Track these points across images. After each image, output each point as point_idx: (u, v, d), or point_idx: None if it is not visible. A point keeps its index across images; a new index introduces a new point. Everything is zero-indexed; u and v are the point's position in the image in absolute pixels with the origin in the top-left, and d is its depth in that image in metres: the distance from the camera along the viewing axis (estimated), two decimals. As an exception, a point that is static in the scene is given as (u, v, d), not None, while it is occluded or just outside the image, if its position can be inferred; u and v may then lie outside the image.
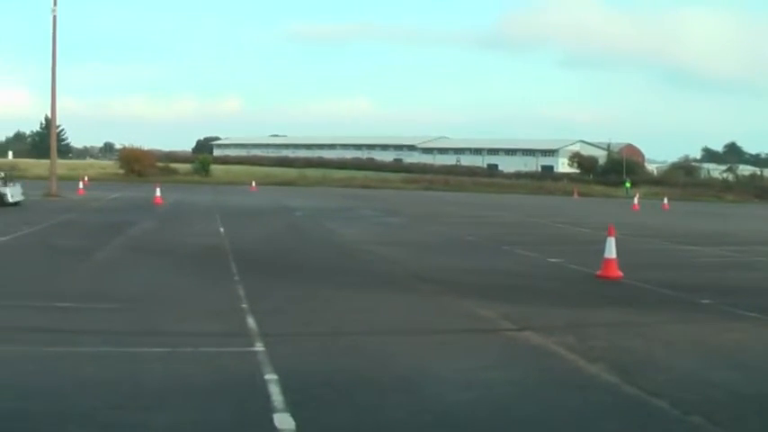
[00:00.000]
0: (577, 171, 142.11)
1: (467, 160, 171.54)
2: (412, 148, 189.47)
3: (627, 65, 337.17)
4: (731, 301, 16.16)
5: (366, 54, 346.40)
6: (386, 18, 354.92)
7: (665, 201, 73.77)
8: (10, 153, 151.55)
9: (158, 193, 49.50)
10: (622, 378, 9.91)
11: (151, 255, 22.17)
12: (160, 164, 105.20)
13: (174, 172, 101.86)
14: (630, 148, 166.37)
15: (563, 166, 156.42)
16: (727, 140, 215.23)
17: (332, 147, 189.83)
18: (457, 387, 9.48)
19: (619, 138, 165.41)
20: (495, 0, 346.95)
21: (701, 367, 10.86)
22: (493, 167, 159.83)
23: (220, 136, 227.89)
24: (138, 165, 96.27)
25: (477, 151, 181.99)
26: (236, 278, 17.67)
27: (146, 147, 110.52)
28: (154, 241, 26.23)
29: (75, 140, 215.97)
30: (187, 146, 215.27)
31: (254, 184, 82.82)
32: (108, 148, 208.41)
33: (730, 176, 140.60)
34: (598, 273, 19.79)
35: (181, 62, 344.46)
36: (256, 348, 10.91)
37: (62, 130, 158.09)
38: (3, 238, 24.72)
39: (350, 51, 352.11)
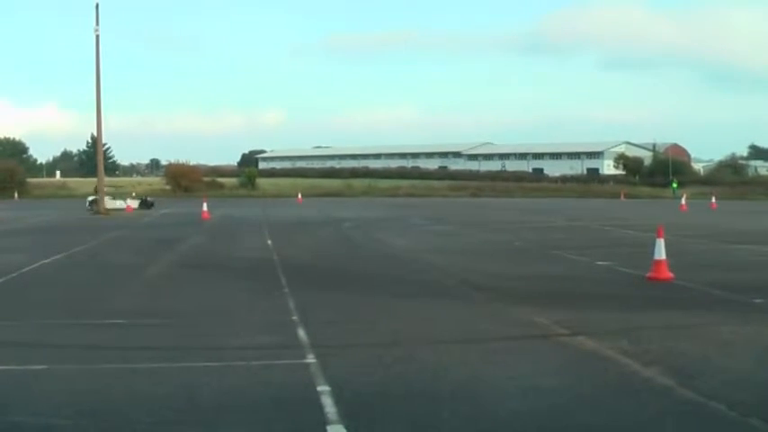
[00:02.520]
0: (623, 173, 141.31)
1: (512, 165, 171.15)
2: (457, 155, 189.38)
3: (669, 64, 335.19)
4: (786, 301, 16.03)
5: (407, 61, 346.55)
6: (425, 25, 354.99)
7: (713, 200, 73.27)
8: (58, 172, 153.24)
9: (205, 207, 49.76)
10: (678, 381, 9.82)
11: (201, 270, 22.28)
12: (206, 178, 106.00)
13: (221, 186, 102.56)
14: (676, 147, 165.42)
15: (608, 168, 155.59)
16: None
17: (377, 156, 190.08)
18: (512, 395, 9.44)
19: (664, 138, 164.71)
20: (534, 3, 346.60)
21: (757, 369, 10.75)
22: (538, 172, 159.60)
23: (265, 149, 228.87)
24: (184, 180, 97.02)
25: (522, 156, 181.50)
26: (286, 290, 17.72)
27: (191, 162, 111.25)
28: (203, 256, 26.37)
29: (122, 158, 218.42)
30: (232, 160, 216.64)
31: (300, 195, 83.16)
32: (154, 165, 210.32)
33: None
34: (648, 275, 19.66)
35: (224, 76, 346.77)
36: (308, 360, 10.93)
37: (108, 147, 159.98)
38: (57, 256, 24.98)
39: (391, 59, 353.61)
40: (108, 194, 61.27)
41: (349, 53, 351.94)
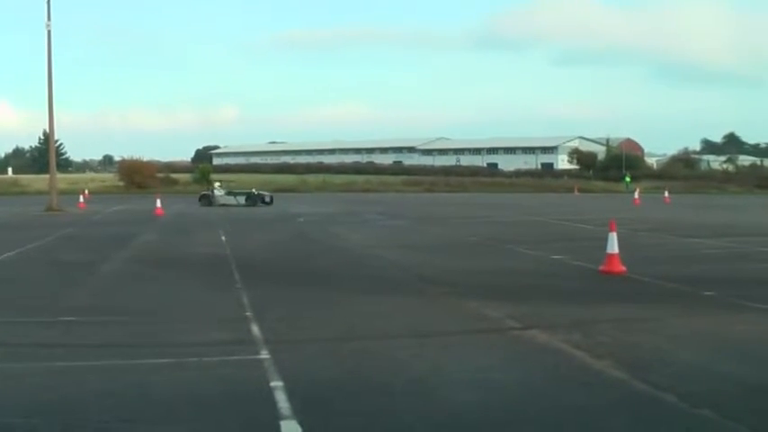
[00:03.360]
0: (577, 167, 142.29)
1: (467, 160, 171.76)
2: (412, 150, 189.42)
3: (623, 60, 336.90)
4: (735, 293, 16.14)
5: (362, 58, 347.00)
6: (379, 22, 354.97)
7: (666, 194, 73.91)
8: (9, 169, 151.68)
9: (159, 204, 49.50)
10: (630, 373, 9.89)
11: (154, 266, 22.13)
12: (160, 175, 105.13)
13: (175, 182, 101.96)
14: (629, 142, 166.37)
15: (563, 162, 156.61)
16: (726, 131, 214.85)
17: (331, 152, 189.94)
18: (465, 388, 9.46)
19: (618, 133, 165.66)
20: (488, 0, 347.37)
21: (708, 360, 10.84)
22: (493, 167, 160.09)
23: (219, 145, 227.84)
24: (137, 176, 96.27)
25: (477, 151, 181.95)
26: (240, 286, 17.65)
27: (145, 158, 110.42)
28: (156, 253, 26.20)
29: (75, 154, 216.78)
30: (186, 156, 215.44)
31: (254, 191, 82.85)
32: (107, 161, 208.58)
33: (730, 167, 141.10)
34: (601, 268, 19.79)
35: (177, 72, 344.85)
36: (262, 356, 10.89)
37: (61, 144, 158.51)
38: (9, 254, 24.74)
39: (345, 56, 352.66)
40: (220, 189, 62.74)
41: (303, 49, 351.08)
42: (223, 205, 58.72)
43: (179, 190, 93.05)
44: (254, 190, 65.16)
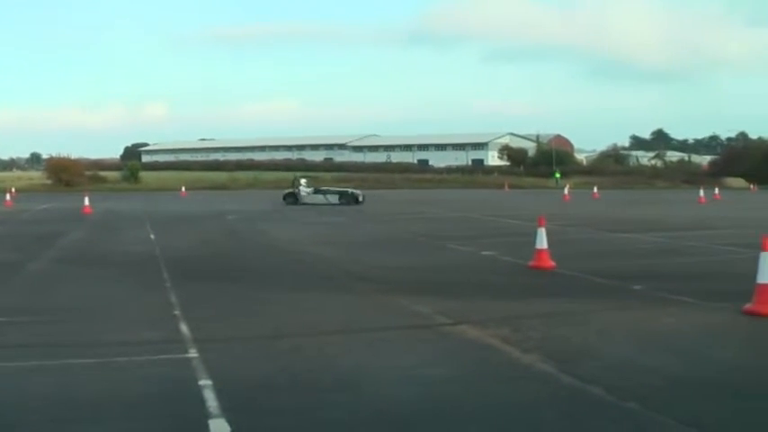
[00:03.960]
0: (508, 164, 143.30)
1: (397, 157, 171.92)
2: (342, 146, 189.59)
3: (552, 57, 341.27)
4: (663, 287, 16.35)
5: (292, 54, 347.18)
6: (310, 18, 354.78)
7: (595, 190, 74.67)
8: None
9: (87, 202, 48.93)
10: (558, 367, 9.97)
11: (82, 265, 21.88)
12: (88, 172, 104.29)
13: (103, 180, 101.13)
14: (559, 138, 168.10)
15: (493, 159, 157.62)
16: (655, 128, 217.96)
17: (262, 149, 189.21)
18: (394, 384, 9.47)
19: (548, 129, 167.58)
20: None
21: (635, 353, 10.95)
22: (424, 163, 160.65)
23: (149, 142, 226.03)
24: (65, 174, 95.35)
25: (408, 147, 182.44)
26: (169, 285, 17.50)
27: (73, 156, 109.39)
28: (84, 251, 25.91)
29: (1, 152, 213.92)
30: (115, 153, 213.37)
31: (183, 189, 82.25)
32: (35, 159, 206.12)
33: (659, 163, 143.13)
34: (530, 264, 19.91)
35: (105, 69, 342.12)
36: (190, 355, 10.81)
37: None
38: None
39: (276, 52, 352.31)
40: (307, 186, 59.43)
41: (233, 45, 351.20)
42: (311, 204, 55.87)
43: (108, 188, 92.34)
44: (349, 189, 62.74)
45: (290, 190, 59.72)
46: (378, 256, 23.22)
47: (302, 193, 58.44)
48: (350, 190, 62.23)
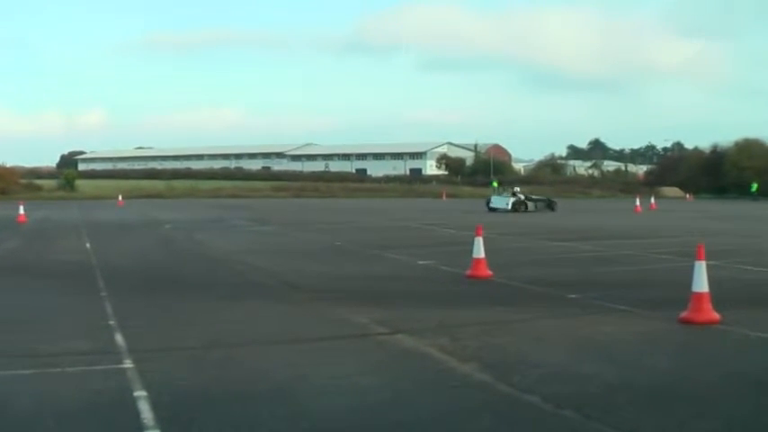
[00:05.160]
0: (446, 173, 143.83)
1: (336, 166, 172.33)
2: (280, 155, 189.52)
3: (489, 66, 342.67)
4: (599, 295, 16.50)
5: (230, 62, 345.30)
6: (247, 25, 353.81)
7: (533, 199, 74.82)
8: None
9: (22, 210, 48.32)
10: (495, 376, 9.99)
11: (15, 275, 21.60)
12: (23, 181, 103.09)
13: (39, 189, 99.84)
14: (497, 148, 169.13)
15: (431, 168, 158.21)
16: (592, 137, 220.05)
17: (199, 157, 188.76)
18: (330, 394, 9.43)
19: (485, 139, 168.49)
20: (351, 5, 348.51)
21: (572, 361, 11.01)
22: (362, 172, 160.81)
23: (85, 150, 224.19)
24: (0, 182, 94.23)
25: (346, 157, 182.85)
26: (104, 294, 17.28)
27: (8, 164, 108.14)
28: (18, 260, 25.58)
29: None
30: (51, 161, 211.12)
31: (120, 197, 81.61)
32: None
33: (596, 172, 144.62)
34: (468, 273, 19.94)
35: (40, 74, 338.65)
36: (125, 365, 10.68)
37: None
38: None
39: (213, 59, 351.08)
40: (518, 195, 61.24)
41: (171, 51, 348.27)
42: (522, 212, 58.74)
43: (44, 196, 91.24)
44: (548, 197, 65.44)
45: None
46: (314, 266, 23.15)
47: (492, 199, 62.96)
48: (549, 198, 64.91)
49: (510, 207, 59.45)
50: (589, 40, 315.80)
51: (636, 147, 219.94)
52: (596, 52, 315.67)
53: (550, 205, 61.70)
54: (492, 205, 61.41)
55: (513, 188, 65.93)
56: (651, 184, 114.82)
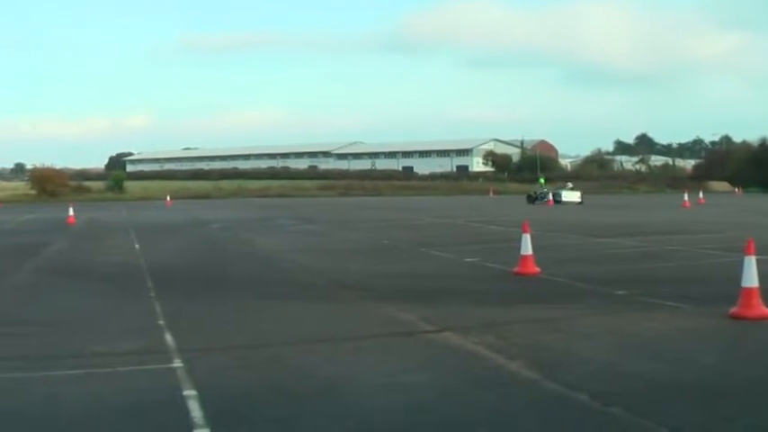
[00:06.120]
0: (492, 170, 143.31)
1: (382, 164, 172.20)
2: (327, 154, 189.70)
3: (532, 63, 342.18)
4: (647, 292, 16.40)
5: (272, 62, 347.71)
6: (287, 26, 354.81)
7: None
8: None
9: (71, 212, 48.71)
10: (542, 373, 9.96)
11: (65, 276, 21.81)
12: (73, 182, 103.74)
13: (88, 190, 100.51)
14: (544, 144, 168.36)
15: (478, 165, 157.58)
16: (639, 132, 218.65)
17: (246, 157, 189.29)
18: (378, 392, 9.46)
19: (532, 135, 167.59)
20: (393, 3, 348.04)
21: (619, 358, 10.96)
22: (408, 170, 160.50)
23: (133, 151, 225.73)
24: (49, 185, 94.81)
25: (392, 155, 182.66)
26: (153, 295, 17.42)
27: (57, 166, 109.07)
28: (68, 262, 25.80)
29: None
30: (100, 163, 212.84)
31: (168, 198, 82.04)
32: (19, 169, 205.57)
33: (643, 167, 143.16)
34: (515, 270, 19.89)
35: (86, 79, 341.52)
36: (174, 365, 10.78)
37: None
38: None
39: (257, 60, 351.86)
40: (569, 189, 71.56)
41: (214, 53, 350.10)
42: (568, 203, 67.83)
43: (92, 198, 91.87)
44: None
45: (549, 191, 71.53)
46: (361, 264, 23.17)
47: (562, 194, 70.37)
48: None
49: (580, 200, 68.23)
50: (632, 35, 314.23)
51: (683, 141, 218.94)
52: (640, 46, 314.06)
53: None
54: (564, 200, 68.20)
55: (566, 183, 74.87)
56: (699, 178, 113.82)
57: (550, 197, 68.90)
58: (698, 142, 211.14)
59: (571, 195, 70.21)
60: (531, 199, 71.04)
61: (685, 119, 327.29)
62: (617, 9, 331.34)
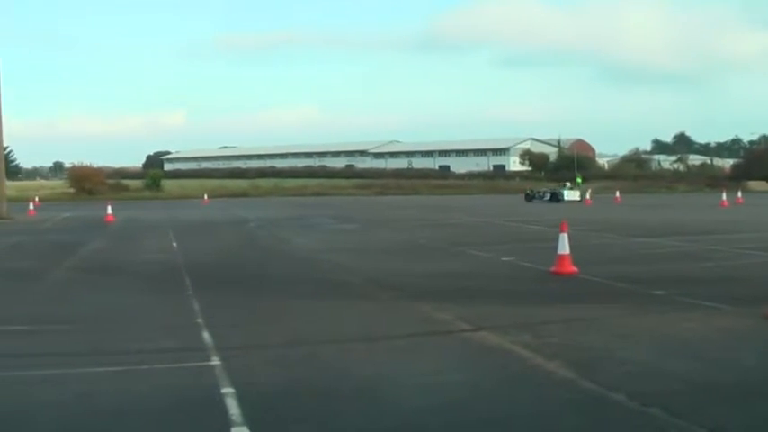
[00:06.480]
0: (529, 169, 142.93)
1: (418, 163, 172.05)
2: (363, 153, 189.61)
3: (567, 61, 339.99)
4: (685, 292, 16.28)
5: (311, 61, 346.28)
6: (323, 24, 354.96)
7: (617, 194, 74.51)
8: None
9: (109, 210, 49.05)
10: (579, 373, 9.92)
11: (104, 274, 21.95)
12: (110, 181, 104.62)
13: (125, 189, 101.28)
14: (581, 143, 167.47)
15: (514, 164, 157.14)
16: (676, 131, 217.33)
17: (283, 156, 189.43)
18: (415, 391, 9.44)
19: (569, 134, 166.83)
20: (430, 2, 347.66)
21: (657, 359, 10.89)
22: (445, 169, 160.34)
23: (170, 150, 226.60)
24: (87, 183, 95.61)
25: (429, 154, 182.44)
26: (191, 293, 17.50)
27: (95, 164, 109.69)
28: (106, 260, 25.97)
29: (25, 161, 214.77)
30: (137, 161, 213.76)
31: (206, 197, 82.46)
32: (57, 168, 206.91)
33: (681, 167, 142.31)
34: (552, 269, 19.84)
35: (126, 78, 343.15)
36: (212, 363, 10.81)
37: (10, 151, 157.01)
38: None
39: (294, 59, 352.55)
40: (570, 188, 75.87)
41: (250, 53, 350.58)
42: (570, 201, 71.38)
43: (130, 196, 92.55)
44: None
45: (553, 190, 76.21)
46: (397, 263, 23.20)
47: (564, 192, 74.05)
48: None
49: (580, 198, 72.62)
50: (670, 32, 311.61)
51: (722, 140, 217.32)
52: (677, 44, 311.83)
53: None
54: (567, 198, 71.59)
55: (565, 183, 79.64)
56: (737, 178, 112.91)
57: (548, 196, 74.00)
58: (736, 141, 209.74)
59: (572, 194, 73.80)
60: (529, 197, 75.64)
61: (724, 118, 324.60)
62: (654, 6, 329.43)
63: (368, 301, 16.46)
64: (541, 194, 75.07)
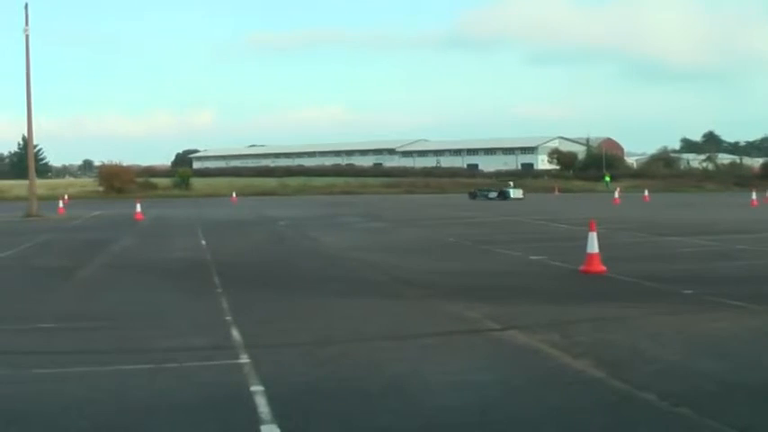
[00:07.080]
0: (557, 167, 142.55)
1: (447, 161, 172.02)
2: (391, 152, 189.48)
3: (598, 59, 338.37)
4: (714, 291, 16.20)
5: (338, 60, 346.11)
6: (351, 23, 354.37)
7: (646, 193, 74.39)
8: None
9: (139, 208, 49.25)
10: (609, 372, 9.89)
11: (133, 272, 22.04)
12: (139, 179, 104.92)
13: (154, 187, 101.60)
14: (609, 141, 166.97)
15: (543, 162, 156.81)
16: (705, 130, 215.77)
17: (311, 154, 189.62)
18: (444, 390, 9.44)
19: (597, 132, 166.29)
20: (456, 1, 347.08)
21: (687, 358, 10.85)
22: (473, 167, 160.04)
23: (199, 148, 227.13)
24: (117, 181, 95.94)
25: (457, 152, 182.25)
26: (220, 291, 17.57)
27: (124, 162, 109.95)
28: (135, 258, 26.09)
29: (54, 159, 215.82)
30: (166, 160, 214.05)
31: (234, 195, 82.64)
32: (87, 166, 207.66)
33: (710, 165, 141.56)
34: (581, 268, 19.80)
35: (152, 76, 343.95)
36: (242, 360, 10.85)
37: (40, 149, 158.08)
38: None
39: (321, 58, 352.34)
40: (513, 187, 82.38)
41: (274, 52, 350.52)
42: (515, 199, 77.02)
43: (159, 194, 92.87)
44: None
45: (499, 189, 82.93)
46: (425, 261, 23.21)
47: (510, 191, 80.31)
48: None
49: (522, 196, 79.67)
50: (699, 30, 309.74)
51: (751, 139, 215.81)
52: (706, 42, 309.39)
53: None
54: (513, 196, 78.66)
55: (509, 182, 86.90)
56: (767, 177, 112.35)
57: (495, 194, 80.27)
58: (766, 140, 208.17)
59: (516, 192, 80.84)
60: (473, 195, 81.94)
61: (753, 116, 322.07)
62: (683, 4, 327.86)
63: (397, 299, 16.46)
64: (486, 193, 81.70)
